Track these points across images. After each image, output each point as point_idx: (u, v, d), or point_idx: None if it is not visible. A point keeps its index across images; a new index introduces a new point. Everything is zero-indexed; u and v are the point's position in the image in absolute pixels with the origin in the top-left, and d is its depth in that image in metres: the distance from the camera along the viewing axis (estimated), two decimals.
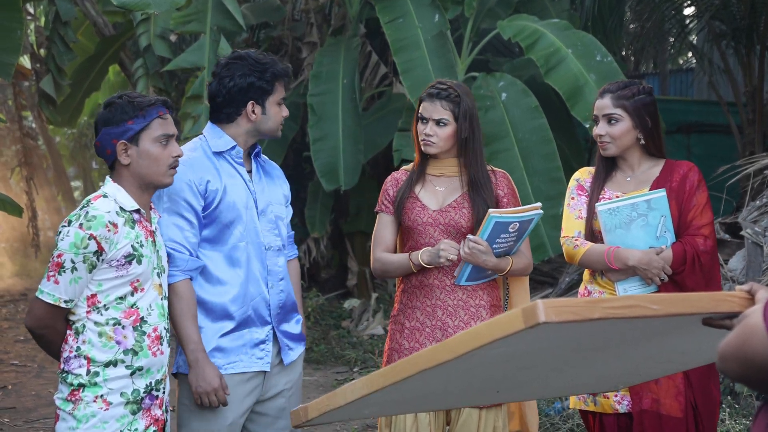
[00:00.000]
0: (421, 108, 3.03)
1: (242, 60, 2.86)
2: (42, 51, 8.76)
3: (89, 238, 2.46)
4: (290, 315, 3.00)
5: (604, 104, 3.04)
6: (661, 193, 2.96)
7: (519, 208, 2.94)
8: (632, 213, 2.96)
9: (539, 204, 2.94)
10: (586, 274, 3.14)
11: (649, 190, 3.01)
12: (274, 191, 3.01)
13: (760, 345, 1.37)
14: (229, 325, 2.83)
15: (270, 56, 2.93)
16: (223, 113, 2.89)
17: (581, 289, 3.15)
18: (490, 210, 2.86)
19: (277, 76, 2.88)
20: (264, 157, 3.06)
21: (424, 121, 3.01)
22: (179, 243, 2.78)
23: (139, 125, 2.56)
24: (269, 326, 2.90)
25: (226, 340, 2.83)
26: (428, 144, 3.01)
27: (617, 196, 3.04)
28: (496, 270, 2.96)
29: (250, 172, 2.95)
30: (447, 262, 2.91)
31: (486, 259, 2.89)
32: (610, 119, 3.02)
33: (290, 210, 3.12)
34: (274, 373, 2.94)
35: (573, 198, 3.17)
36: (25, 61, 10.64)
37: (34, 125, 14.35)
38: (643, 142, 3.05)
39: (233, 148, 2.88)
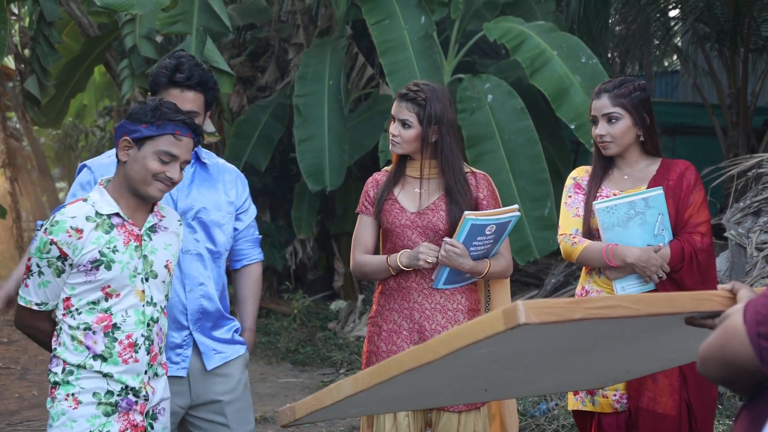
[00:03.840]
0: (393, 107, 3.05)
1: (172, 58, 2.88)
2: (26, 51, 8.69)
3: (50, 243, 2.45)
4: (220, 322, 2.94)
5: (603, 104, 3.04)
6: (659, 191, 2.96)
7: (495, 210, 2.93)
8: (630, 211, 2.96)
9: (516, 206, 2.93)
10: (583, 273, 3.15)
11: (647, 188, 3.02)
12: (210, 197, 2.93)
13: (740, 347, 1.37)
14: None
15: (168, 61, 2.84)
16: None
17: (578, 288, 3.16)
18: (466, 212, 2.85)
19: (156, 80, 2.84)
20: (214, 160, 3.00)
21: (394, 120, 3.02)
22: None
23: (149, 132, 2.50)
24: (186, 331, 2.86)
25: None
26: (393, 143, 3.02)
27: (614, 194, 3.04)
28: (473, 273, 2.95)
29: None
30: (426, 265, 2.91)
31: (462, 262, 2.88)
32: (609, 118, 3.02)
33: (251, 212, 3.05)
34: (203, 379, 2.89)
35: (570, 196, 3.16)
36: (10, 61, 10.57)
37: (18, 126, 14.26)
38: (642, 140, 3.06)
39: None
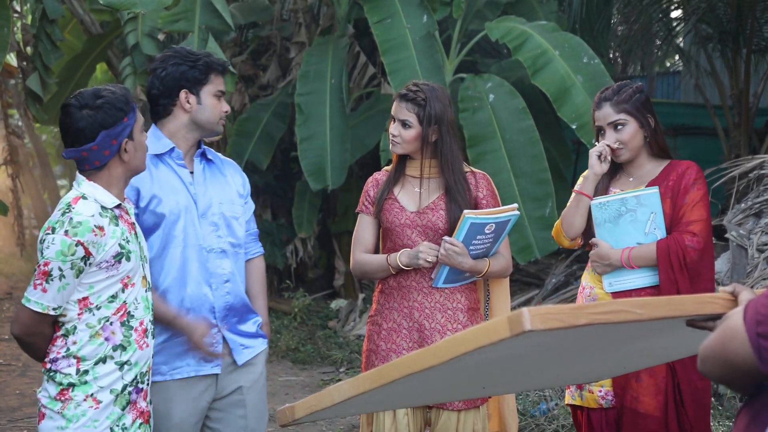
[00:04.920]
0: (392, 107, 3.05)
1: (176, 52, 2.89)
2: (29, 49, 8.69)
3: (77, 245, 2.42)
4: (244, 316, 2.98)
5: (606, 113, 3.06)
6: (653, 190, 2.98)
7: (495, 209, 2.94)
8: (621, 208, 2.99)
9: (515, 205, 2.94)
10: (584, 271, 3.19)
11: (645, 187, 3.04)
12: (223, 191, 2.97)
13: (740, 347, 1.38)
14: (168, 331, 2.81)
15: (206, 51, 2.95)
16: (160, 106, 2.89)
17: (580, 285, 3.21)
18: (465, 211, 2.86)
19: (211, 66, 2.88)
20: (215, 154, 3.03)
21: (394, 120, 3.03)
22: None
23: (132, 119, 2.54)
24: (215, 329, 2.88)
25: (168, 347, 2.82)
26: (393, 143, 3.03)
27: (613, 192, 3.08)
28: (473, 272, 2.96)
29: (192, 173, 2.92)
30: (426, 264, 2.91)
31: (462, 261, 2.89)
32: (616, 126, 3.05)
33: (251, 205, 3.10)
34: (227, 373, 2.93)
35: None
36: (12, 59, 10.57)
37: (20, 123, 14.26)
38: (649, 140, 3.07)
39: (172, 150, 2.88)
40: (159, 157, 2.86)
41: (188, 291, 2.84)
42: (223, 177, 3.00)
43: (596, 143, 3.12)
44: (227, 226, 2.94)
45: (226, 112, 2.93)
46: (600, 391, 3.03)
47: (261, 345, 3.03)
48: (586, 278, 3.15)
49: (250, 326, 2.99)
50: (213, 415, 2.96)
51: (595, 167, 3.05)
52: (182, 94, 2.86)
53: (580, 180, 3.15)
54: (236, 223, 2.98)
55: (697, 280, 2.98)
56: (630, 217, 2.99)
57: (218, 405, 2.95)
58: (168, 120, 2.89)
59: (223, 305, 2.90)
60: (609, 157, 3.05)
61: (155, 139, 2.87)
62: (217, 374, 2.90)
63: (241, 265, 3.00)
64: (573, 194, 3.12)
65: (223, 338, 2.91)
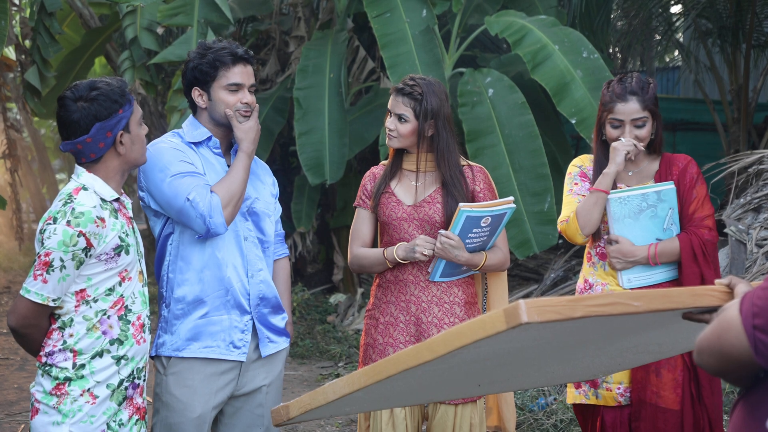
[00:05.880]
0: (389, 101, 3.05)
1: (198, 47, 2.87)
2: (27, 42, 8.67)
3: (78, 235, 2.40)
4: (275, 310, 2.98)
5: (633, 109, 2.99)
6: (671, 185, 2.98)
7: (491, 202, 2.94)
8: (642, 203, 2.98)
9: (512, 198, 2.93)
10: (584, 266, 3.15)
11: (654, 182, 3.03)
12: (256, 187, 2.97)
13: (736, 339, 1.38)
14: (204, 309, 2.82)
15: (224, 42, 2.86)
16: (189, 103, 2.90)
17: (580, 282, 3.15)
18: (461, 204, 2.86)
19: (216, 60, 2.79)
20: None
21: (390, 114, 3.03)
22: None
23: (129, 111, 2.52)
24: (248, 316, 2.88)
25: (202, 324, 2.82)
26: (390, 137, 3.03)
27: (620, 188, 3.04)
28: (469, 265, 2.95)
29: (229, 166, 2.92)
30: (422, 257, 2.91)
31: (458, 254, 2.89)
32: (638, 123, 3.00)
33: (279, 207, 3.10)
34: (251, 368, 2.92)
35: (576, 183, 3.15)
36: (10, 52, 10.56)
37: (18, 117, 14.25)
38: (653, 137, 3.05)
39: (209, 138, 2.87)
40: (197, 145, 2.87)
41: (225, 273, 2.83)
42: (259, 175, 3.01)
43: (604, 135, 3.07)
44: (255, 222, 2.95)
45: (245, 103, 2.82)
46: (618, 389, 3.00)
47: (284, 343, 3.01)
48: (593, 275, 3.09)
49: (279, 321, 2.98)
50: (228, 410, 2.94)
51: (621, 165, 2.97)
52: (194, 92, 2.84)
53: (579, 165, 3.11)
54: (268, 220, 2.98)
55: (715, 273, 3.00)
56: (651, 212, 2.97)
57: (236, 402, 2.93)
58: (197, 115, 2.90)
59: (257, 294, 2.90)
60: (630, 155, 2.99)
61: (192, 128, 2.88)
62: (241, 363, 2.87)
63: (270, 261, 3.00)
64: (588, 192, 3.04)
65: (253, 327, 2.90)
